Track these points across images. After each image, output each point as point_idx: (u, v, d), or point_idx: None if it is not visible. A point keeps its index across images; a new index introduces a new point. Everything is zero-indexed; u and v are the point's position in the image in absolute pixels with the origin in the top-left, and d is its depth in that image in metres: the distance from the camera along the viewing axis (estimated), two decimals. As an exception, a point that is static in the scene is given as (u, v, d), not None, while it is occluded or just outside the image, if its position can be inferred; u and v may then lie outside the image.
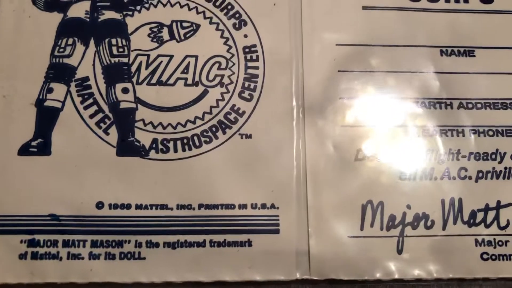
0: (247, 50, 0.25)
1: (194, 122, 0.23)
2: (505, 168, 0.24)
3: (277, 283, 0.22)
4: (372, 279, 0.23)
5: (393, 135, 0.24)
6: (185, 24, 0.24)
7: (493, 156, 0.24)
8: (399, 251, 0.23)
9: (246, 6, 0.25)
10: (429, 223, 0.23)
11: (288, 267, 0.22)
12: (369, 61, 0.25)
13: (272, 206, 0.23)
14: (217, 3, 0.25)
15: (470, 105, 0.25)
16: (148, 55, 0.24)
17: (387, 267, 0.23)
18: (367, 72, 0.25)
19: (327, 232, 0.23)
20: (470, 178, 0.24)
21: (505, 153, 0.24)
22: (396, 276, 0.23)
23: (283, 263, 0.22)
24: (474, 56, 0.26)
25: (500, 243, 0.23)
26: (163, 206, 0.22)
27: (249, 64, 0.24)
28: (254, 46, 0.25)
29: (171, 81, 0.24)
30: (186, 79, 0.24)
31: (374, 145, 0.24)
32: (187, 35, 0.24)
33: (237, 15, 0.25)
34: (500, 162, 0.24)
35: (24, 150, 0.22)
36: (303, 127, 0.24)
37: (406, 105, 0.25)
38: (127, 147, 0.23)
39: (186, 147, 0.23)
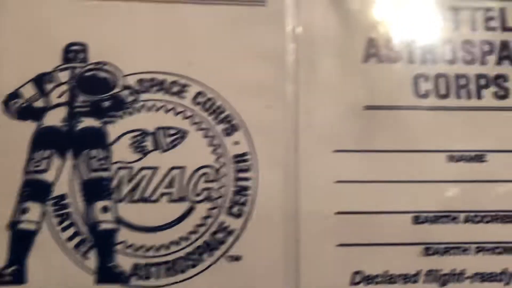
0: (238, 159, 0.23)
1: (178, 244, 0.22)
2: None
3: None
4: None
5: (395, 255, 0.23)
6: (170, 132, 0.23)
7: (500, 277, 0.23)
8: None
9: (239, 109, 0.23)
10: None
11: None
12: (371, 170, 0.23)
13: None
14: (206, 106, 0.23)
15: (478, 218, 0.23)
16: (131, 168, 0.22)
17: None
18: (369, 182, 0.23)
19: None
20: (474, 303, 0.22)
21: None
22: None
23: None
24: (485, 161, 0.24)
25: None
26: None
27: (240, 175, 0.23)
28: (246, 154, 0.23)
29: (155, 197, 0.22)
30: (171, 194, 0.22)
31: (373, 266, 0.22)
32: (173, 144, 0.23)
33: (228, 120, 0.23)
34: (507, 284, 0.23)
35: (-3, 279, 0.21)
36: (295, 248, 0.22)
37: (411, 221, 0.23)
38: (107, 274, 0.21)
39: (170, 272, 0.22)
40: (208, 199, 0.22)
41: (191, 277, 0.22)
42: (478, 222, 0.23)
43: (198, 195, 0.22)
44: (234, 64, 0.23)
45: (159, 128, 0.23)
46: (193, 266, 0.22)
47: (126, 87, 0.22)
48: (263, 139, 0.23)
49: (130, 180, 0.22)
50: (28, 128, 0.22)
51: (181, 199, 0.22)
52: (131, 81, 0.23)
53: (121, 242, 0.22)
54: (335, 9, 0.24)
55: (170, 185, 0.22)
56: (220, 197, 0.22)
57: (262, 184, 0.23)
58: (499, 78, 0.24)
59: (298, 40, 0.24)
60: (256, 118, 0.23)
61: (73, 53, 0.23)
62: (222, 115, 0.23)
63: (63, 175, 0.22)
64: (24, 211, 0.21)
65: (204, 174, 0.22)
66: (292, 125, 0.23)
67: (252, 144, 0.23)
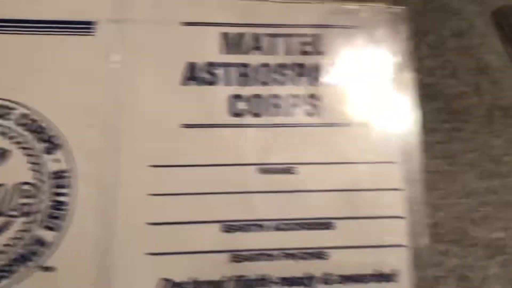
0: (57, 175, 0.24)
1: (-7, 256, 0.23)
2: None
3: None
4: None
5: (204, 263, 0.24)
6: (-8, 151, 0.24)
7: (304, 281, 0.24)
8: None
9: (62, 129, 0.25)
10: None
11: None
12: (184, 183, 0.25)
13: None
14: (30, 127, 0.25)
15: (284, 226, 0.25)
16: (-48, 185, 0.24)
17: None
18: (182, 195, 0.25)
19: None
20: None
21: (316, 277, 0.24)
22: None
23: None
24: (294, 173, 0.25)
25: None
26: None
27: (58, 190, 0.24)
28: (65, 171, 0.24)
29: (-27, 212, 0.24)
30: (-11, 209, 0.24)
31: (181, 274, 0.24)
32: (-6, 163, 0.24)
33: (50, 139, 0.25)
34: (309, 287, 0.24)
35: None
36: (108, 257, 0.24)
37: (220, 230, 0.24)
38: None
39: (-17, 282, 0.23)
40: (25, 214, 0.24)
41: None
42: (285, 229, 0.25)
43: (14, 210, 0.24)
44: (60, 88, 0.25)
45: (-19, 149, 0.24)
46: (7, 277, 0.23)
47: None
48: (84, 156, 0.25)
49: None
50: None
51: (-1, 214, 0.24)
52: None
53: None
54: (156, 37, 0.26)
55: (-12, 201, 0.24)
56: (37, 212, 0.24)
57: (79, 199, 0.24)
58: (311, 98, 0.26)
59: (121, 64, 0.26)
60: (78, 137, 0.25)
61: None
62: (45, 135, 0.25)
63: None
64: None
65: (21, 190, 0.24)
66: (112, 143, 0.25)
67: (73, 161, 0.24)
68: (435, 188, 0.28)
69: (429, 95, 0.31)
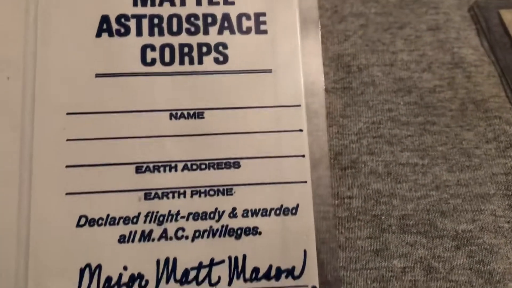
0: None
1: None
2: (222, 226, 0.26)
3: None
4: None
5: (118, 201, 0.26)
6: None
7: (212, 215, 0.26)
8: (112, 311, 0.25)
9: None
10: (143, 283, 0.25)
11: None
12: (100, 128, 0.27)
13: (-6, 275, 0.25)
14: None
15: (194, 166, 0.27)
16: None
17: (98, 326, 0.25)
18: (98, 139, 0.27)
19: (44, 297, 0.25)
20: (186, 237, 0.26)
21: (223, 211, 0.26)
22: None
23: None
24: (204, 118, 0.27)
25: (210, 298, 0.26)
26: None
27: (-21, 138, 0.26)
28: (-14, 121, 0.26)
29: None
30: None
31: (96, 211, 0.26)
32: None
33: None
34: (217, 221, 0.26)
35: None
36: (28, 196, 0.26)
37: (134, 171, 0.26)
38: None
39: None
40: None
41: None
42: (194, 169, 0.27)
43: None
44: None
45: None
46: None
47: None
48: (3, 107, 0.26)
49: None
50: None
51: None
52: None
53: None
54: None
55: None
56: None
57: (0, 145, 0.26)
58: (219, 46, 0.28)
59: (37, 17, 0.27)
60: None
61: None
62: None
63: None
64: None
65: None
66: (29, 93, 0.27)
67: (-8, 110, 0.26)
68: (405, 180, 0.30)
69: (403, 88, 0.32)
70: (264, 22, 0.28)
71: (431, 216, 0.29)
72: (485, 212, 0.29)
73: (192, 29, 0.28)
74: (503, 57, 0.33)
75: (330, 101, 0.32)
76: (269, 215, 0.26)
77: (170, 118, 0.27)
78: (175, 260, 0.26)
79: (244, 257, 0.26)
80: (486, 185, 0.30)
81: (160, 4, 0.28)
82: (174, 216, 0.26)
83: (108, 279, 0.25)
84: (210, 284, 0.26)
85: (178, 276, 0.26)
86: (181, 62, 0.28)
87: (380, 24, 0.34)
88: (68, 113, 0.27)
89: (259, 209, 0.27)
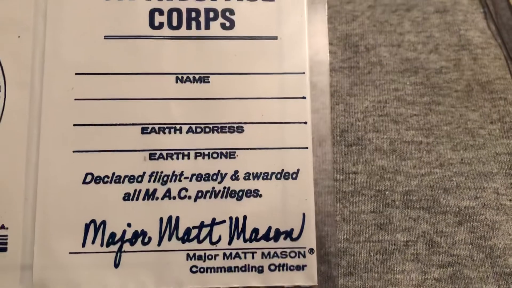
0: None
1: None
2: (224, 187, 0.27)
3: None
4: (88, 291, 0.26)
5: (124, 160, 0.27)
6: None
7: (214, 177, 0.27)
8: (116, 265, 0.26)
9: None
10: (146, 240, 0.26)
11: (12, 282, 0.25)
12: (108, 89, 0.27)
13: (2, 227, 0.26)
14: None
15: (198, 129, 0.27)
16: None
17: (103, 280, 0.26)
18: (105, 100, 0.27)
19: (50, 249, 0.26)
20: (189, 198, 0.27)
21: (226, 173, 0.27)
22: (110, 288, 0.26)
23: (8, 278, 0.25)
24: (209, 82, 0.28)
25: (210, 257, 0.26)
26: None
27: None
28: (-4, 77, 0.27)
29: None
30: None
31: (103, 169, 0.27)
32: None
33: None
34: (220, 183, 0.27)
35: None
36: (36, 154, 0.26)
37: (140, 132, 0.27)
38: None
39: None
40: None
41: None
42: (199, 132, 0.27)
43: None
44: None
45: None
46: None
47: None
48: (13, 65, 0.27)
49: None
50: None
51: None
52: None
53: None
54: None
55: None
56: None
57: (9, 102, 0.27)
58: (226, 12, 0.29)
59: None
60: (7, 48, 0.27)
61: None
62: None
63: None
64: None
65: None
66: (39, 53, 0.27)
67: (1, 67, 0.27)
68: (410, 158, 0.30)
69: (409, 69, 0.32)
70: (271, -10, 0.29)
71: (434, 193, 0.29)
72: (487, 190, 0.29)
73: (200, -6, 0.28)
74: (510, 40, 0.34)
75: (337, 80, 0.32)
76: (270, 178, 0.27)
77: (176, 82, 0.28)
78: (177, 218, 0.26)
79: (245, 218, 0.27)
80: (490, 164, 0.30)
81: (169, -31, 0.29)
82: (178, 177, 0.27)
83: (112, 234, 0.26)
84: (211, 242, 0.26)
85: (180, 234, 0.26)
86: (188, 27, 0.28)
87: (388, 6, 0.34)
88: (76, 73, 0.27)
89: (261, 173, 0.27)
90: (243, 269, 0.26)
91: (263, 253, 0.26)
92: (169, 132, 0.27)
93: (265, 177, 0.27)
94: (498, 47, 0.33)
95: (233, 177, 0.27)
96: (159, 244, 0.26)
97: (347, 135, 0.31)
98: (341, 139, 0.31)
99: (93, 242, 0.26)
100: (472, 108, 0.31)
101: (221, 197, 0.27)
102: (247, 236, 0.26)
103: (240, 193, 0.27)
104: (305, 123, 0.28)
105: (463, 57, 0.33)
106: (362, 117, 0.31)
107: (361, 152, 0.30)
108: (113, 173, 0.27)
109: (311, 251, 0.26)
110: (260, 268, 0.26)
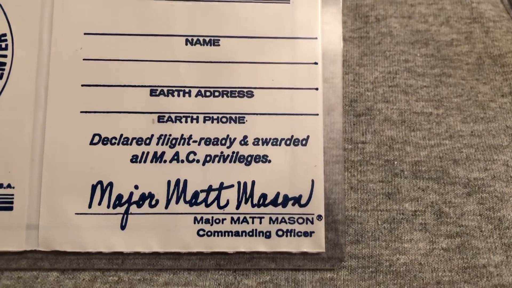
0: (-4, 39, 0.26)
1: None
2: (233, 152, 0.27)
3: (7, 253, 0.25)
4: (94, 251, 0.26)
5: (132, 122, 0.26)
6: None
7: (223, 141, 0.27)
8: (123, 227, 0.26)
9: (-1, -3, 0.27)
10: (153, 202, 0.26)
11: (18, 241, 0.25)
12: (117, 50, 0.27)
13: (9, 186, 0.25)
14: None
15: (208, 93, 0.27)
16: None
17: (109, 241, 0.26)
18: (114, 60, 0.27)
19: (56, 210, 0.26)
20: (198, 161, 0.26)
21: (235, 138, 0.27)
22: (116, 249, 0.26)
23: (14, 237, 0.25)
24: (219, 45, 0.27)
25: (217, 221, 0.26)
26: None
27: (-1, 52, 0.26)
28: (4, 35, 0.26)
29: None
30: None
31: (110, 130, 0.26)
32: None
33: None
34: (228, 147, 0.27)
35: None
36: (44, 113, 0.26)
37: (148, 94, 0.27)
38: None
39: None
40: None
41: None
42: (208, 96, 0.27)
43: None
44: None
45: None
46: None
47: None
48: (21, 25, 0.26)
49: None
50: None
51: None
52: None
53: None
54: None
55: None
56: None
57: (17, 61, 0.26)
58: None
59: None
60: (15, 7, 0.27)
61: None
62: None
63: None
64: None
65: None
66: (48, 10, 0.27)
67: (9, 26, 0.26)
68: (419, 128, 0.30)
69: (420, 40, 0.32)
70: (282, -47, 0.28)
71: (443, 164, 0.29)
72: (497, 162, 0.29)
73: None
74: (523, 14, 0.33)
75: (347, 50, 0.32)
76: (280, 144, 0.27)
77: (186, 44, 0.27)
78: (185, 182, 0.26)
79: (253, 183, 0.26)
80: (500, 136, 0.30)
81: None
82: (186, 140, 0.27)
83: (119, 196, 0.26)
84: (219, 206, 0.26)
85: (188, 197, 0.26)
86: (198, -11, 0.28)
87: (399, -23, 0.34)
88: (85, 33, 0.27)
89: (270, 138, 0.27)
90: (250, 234, 0.26)
91: (270, 219, 0.26)
92: (178, 95, 0.27)
93: (274, 143, 0.27)
94: (510, 20, 0.33)
95: (242, 142, 0.27)
96: (166, 207, 0.26)
97: (356, 105, 0.30)
98: (350, 109, 0.30)
99: (99, 204, 0.26)
100: (483, 81, 0.31)
101: (230, 161, 0.26)
102: (255, 201, 0.26)
103: (249, 158, 0.26)
104: (316, 89, 0.27)
105: (474, 30, 0.32)
106: (372, 88, 0.31)
107: (370, 122, 0.30)
108: (121, 135, 0.26)
109: (319, 217, 0.26)
110: (268, 234, 0.26)
